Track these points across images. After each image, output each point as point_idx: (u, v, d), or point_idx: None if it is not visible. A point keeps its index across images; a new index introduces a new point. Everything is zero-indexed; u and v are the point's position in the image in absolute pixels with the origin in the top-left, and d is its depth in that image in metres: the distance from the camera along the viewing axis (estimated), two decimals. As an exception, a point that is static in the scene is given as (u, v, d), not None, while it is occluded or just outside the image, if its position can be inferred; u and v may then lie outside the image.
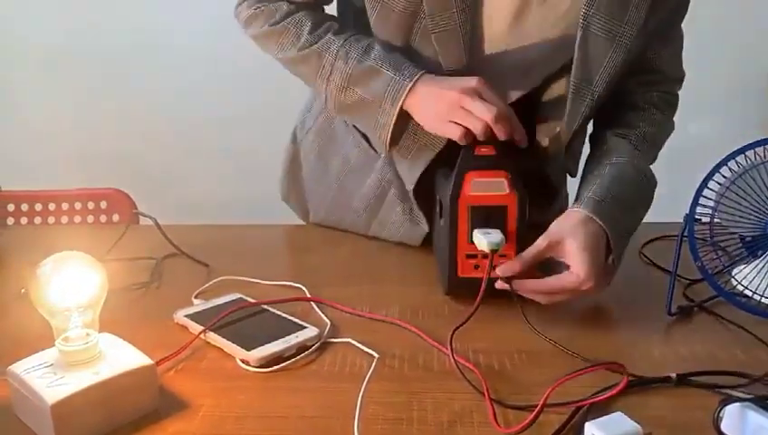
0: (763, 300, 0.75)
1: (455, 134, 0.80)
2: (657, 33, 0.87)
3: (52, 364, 0.59)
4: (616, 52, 0.81)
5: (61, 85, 2.05)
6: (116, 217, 1.29)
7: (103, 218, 1.30)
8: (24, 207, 1.30)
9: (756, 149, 0.74)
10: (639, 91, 0.92)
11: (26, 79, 2.05)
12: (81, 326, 0.59)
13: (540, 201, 0.84)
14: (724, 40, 2.05)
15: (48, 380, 0.57)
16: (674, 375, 0.64)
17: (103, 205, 1.28)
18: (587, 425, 0.53)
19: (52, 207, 1.30)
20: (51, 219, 1.30)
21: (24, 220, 1.31)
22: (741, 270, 0.75)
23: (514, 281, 0.74)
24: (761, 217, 0.74)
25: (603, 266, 0.74)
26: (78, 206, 1.29)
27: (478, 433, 0.57)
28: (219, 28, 1.74)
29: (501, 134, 0.78)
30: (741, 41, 2.05)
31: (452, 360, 0.65)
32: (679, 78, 0.96)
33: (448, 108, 0.80)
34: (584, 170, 0.86)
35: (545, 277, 0.74)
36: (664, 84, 0.94)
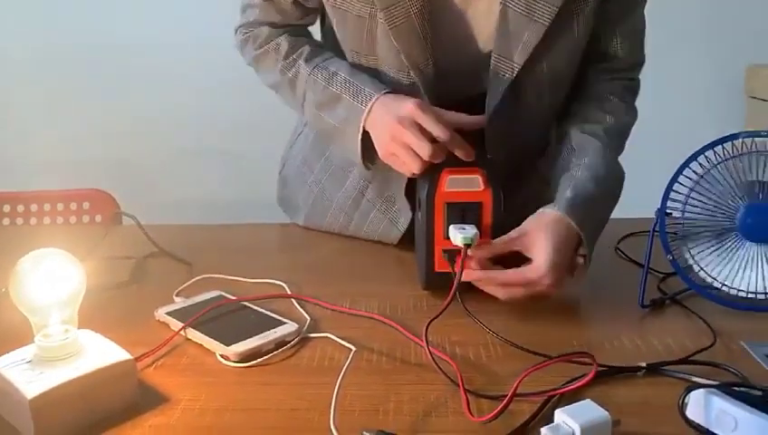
0: (731, 291, 0.77)
1: (401, 171, 0.84)
2: (610, 19, 0.89)
3: (30, 360, 0.59)
4: (533, 27, 0.81)
5: (44, 87, 2.04)
6: (98, 218, 1.29)
7: (86, 219, 1.30)
8: (6, 208, 1.30)
9: (724, 145, 0.75)
10: (600, 80, 0.93)
11: (9, 80, 2.04)
12: (60, 322, 0.60)
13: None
14: (702, 37, 2.09)
15: (27, 375, 0.57)
16: (644, 365, 0.65)
17: (86, 205, 1.29)
18: (557, 412, 0.55)
19: (34, 208, 1.30)
20: (33, 220, 1.30)
21: (6, 221, 1.31)
22: (710, 262, 0.77)
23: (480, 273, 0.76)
24: (728, 210, 0.76)
25: (566, 267, 0.76)
26: (60, 207, 1.29)
27: (452, 422, 0.58)
28: (210, 29, 1.77)
29: (438, 160, 0.79)
30: (718, 38, 2.09)
31: (427, 352, 0.66)
32: (639, 63, 0.97)
33: (390, 140, 0.82)
34: (555, 169, 0.87)
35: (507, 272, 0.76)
36: (624, 71, 0.95)
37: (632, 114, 0.95)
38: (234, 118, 2.00)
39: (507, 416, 0.58)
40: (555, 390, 0.60)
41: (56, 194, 1.31)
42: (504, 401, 0.57)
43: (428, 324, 0.68)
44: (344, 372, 0.64)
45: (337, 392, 0.60)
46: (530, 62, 0.84)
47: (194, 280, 0.88)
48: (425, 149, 0.78)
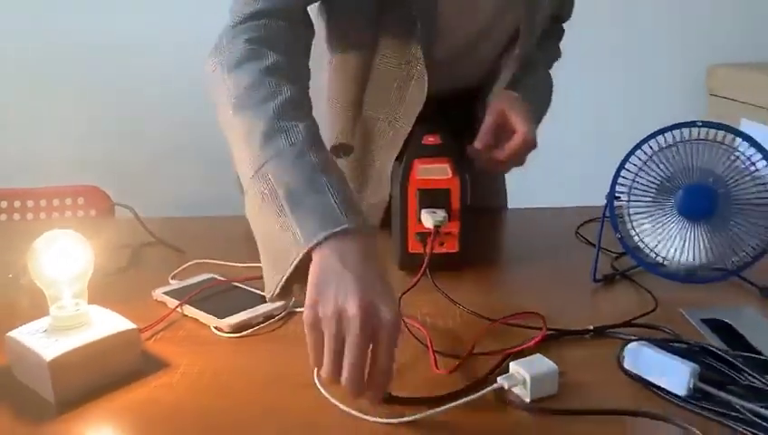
0: (673, 266, 0.85)
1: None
2: None
3: (46, 330, 0.67)
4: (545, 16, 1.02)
5: (40, 85, 2.09)
6: (93, 213, 1.36)
7: (80, 214, 1.36)
8: (3, 204, 1.36)
9: (665, 135, 0.84)
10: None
11: (5, 78, 2.09)
12: (71, 296, 0.67)
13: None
14: (665, 38, 2.19)
15: (44, 342, 0.65)
16: (591, 328, 0.74)
17: (81, 201, 1.35)
18: (511, 365, 0.63)
19: (30, 204, 1.36)
20: (29, 216, 1.36)
21: (3, 217, 1.37)
22: (653, 240, 0.86)
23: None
24: (668, 193, 0.85)
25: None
26: (56, 202, 1.35)
27: (422, 377, 0.67)
28: (202, 29, 1.83)
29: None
30: (682, 40, 2.20)
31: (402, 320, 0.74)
32: (568, 15, 1.16)
33: (332, 304, 0.58)
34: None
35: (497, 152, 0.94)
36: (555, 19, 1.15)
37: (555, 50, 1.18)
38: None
39: (470, 370, 0.66)
40: (512, 348, 0.69)
41: (51, 190, 1.37)
42: (465, 355, 0.65)
43: (402, 295, 0.76)
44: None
45: None
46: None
47: (187, 265, 0.95)
48: (350, 363, 0.57)
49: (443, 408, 0.59)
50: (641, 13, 2.17)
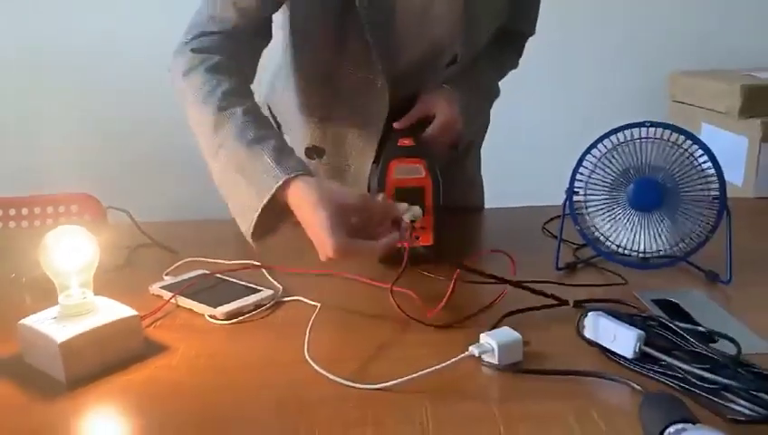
0: (627, 253, 0.94)
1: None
2: None
3: (55, 317, 0.73)
4: (492, 22, 1.06)
5: (32, 91, 2.14)
6: (86, 219, 1.41)
7: (74, 221, 1.42)
8: (-1, 212, 1.41)
9: (618, 134, 0.93)
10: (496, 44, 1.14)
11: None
12: (78, 285, 0.74)
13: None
14: (628, 47, 2.30)
15: (54, 327, 0.71)
16: (571, 301, 0.82)
17: (74, 208, 1.41)
18: (481, 335, 0.71)
19: (24, 212, 1.41)
20: (24, 223, 1.42)
21: (-1, 225, 1.43)
22: (609, 230, 0.94)
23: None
24: (620, 186, 0.93)
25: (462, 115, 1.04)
26: (50, 210, 1.41)
27: (401, 353, 0.75)
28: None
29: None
30: (645, 48, 2.31)
31: (390, 298, 0.82)
32: (530, 33, 1.20)
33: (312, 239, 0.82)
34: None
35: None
36: (515, 35, 1.19)
37: (512, 56, 1.22)
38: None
39: (449, 339, 0.75)
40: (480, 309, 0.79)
41: (45, 199, 1.43)
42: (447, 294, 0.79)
43: (393, 283, 0.83)
44: (314, 318, 0.80)
45: (309, 331, 0.76)
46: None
47: (180, 262, 1.02)
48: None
49: (421, 372, 0.67)
50: (607, 22, 2.28)
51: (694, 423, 0.55)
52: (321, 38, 1.02)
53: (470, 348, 0.70)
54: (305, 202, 0.81)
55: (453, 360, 0.69)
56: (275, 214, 0.85)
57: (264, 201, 0.83)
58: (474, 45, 1.05)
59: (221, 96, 0.88)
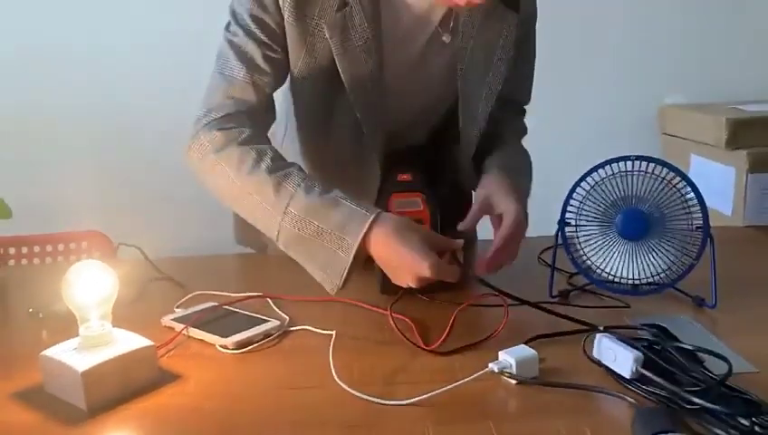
0: (617, 280, 0.98)
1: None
2: (516, 66, 1.10)
3: (75, 348, 0.77)
4: (488, 96, 1.06)
5: (43, 133, 2.20)
6: (96, 256, 1.46)
7: (84, 258, 1.46)
8: (12, 250, 1.46)
9: (605, 168, 0.98)
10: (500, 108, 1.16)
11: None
12: (98, 317, 0.78)
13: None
14: (619, 81, 2.38)
15: (76, 358, 0.75)
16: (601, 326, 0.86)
17: (84, 245, 1.45)
18: (500, 353, 0.77)
19: (36, 249, 1.46)
20: (36, 261, 1.46)
21: (11, 263, 1.47)
22: (599, 259, 0.99)
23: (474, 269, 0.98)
24: (610, 217, 0.98)
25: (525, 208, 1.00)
26: (61, 247, 1.45)
27: (423, 369, 0.80)
28: (197, 81, 1.97)
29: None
30: (636, 82, 2.39)
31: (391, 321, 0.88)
32: (527, 102, 1.23)
33: (403, 280, 0.89)
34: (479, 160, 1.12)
35: (492, 243, 0.98)
36: (517, 104, 1.23)
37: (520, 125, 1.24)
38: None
39: (463, 361, 0.80)
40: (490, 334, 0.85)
41: (56, 236, 1.48)
42: (445, 333, 0.85)
43: (392, 305, 0.90)
44: (333, 341, 0.86)
45: (331, 352, 0.83)
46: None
47: (190, 295, 1.06)
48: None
49: (443, 389, 0.72)
50: (599, 55, 2.36)
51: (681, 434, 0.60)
52: (318, 103, 1.07)
53: (489, 365, 0.77)
54: (392, 232, 0.87)
55: (473, 376, 0.75)
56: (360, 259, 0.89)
57: (358, 241, 0.87)
58: (470, 105, 1.06)
59: (270, 163, 0.93)
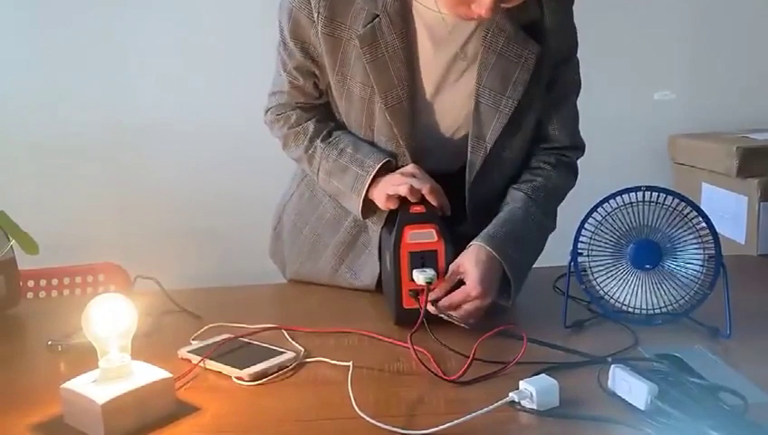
0: (631, 310, 0.98)
1: (400, 197, 1.04)
2: (550, 107, 1.14)
3: (95, 380, 0.78)
4: (500, 117, 1.07)
5: (59, 167, 2.25)
6: (112, 289, 1.48)
7: (101, 290, 1.48)
8: (30, 283, 1.48)
9: (616, 198, 0.99)
10: (539, 154, 1.17)
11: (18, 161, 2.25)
12: (118, 350, 0.79)
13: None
14: (630, 111, 2.40)
15: (95, 390, 0.76)
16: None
17: (101, 278, 1.47)
18: (521, 382, 0.78)
19: (54, 282, 1.48)
20: (54, 293, 1.48)
21: (30, 295, 1.49)
22: (612, 288, 0.99)
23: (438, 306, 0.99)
24: (622, 247, 0.99)
25: (494, 281, 0.99)
26: (78, 280, 1.47)
27: (444, 399, 0.81)
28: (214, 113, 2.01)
29: (433, 201, 1.03)
30: (646, 112, 2.41)
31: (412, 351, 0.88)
32: (574, 146, 1.19)
33: (393, 187, 1.05)
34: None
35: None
36: (560, 150, 1.18)
37: (562, 182, 1.17)
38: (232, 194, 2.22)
39: (481, 390, 0.81)
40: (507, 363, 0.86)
41: (73, 269, 1.50)
42: (467, 363, 0.84)
43: (411, 334, 0.90)
44: (352, 371, 0.87)
45: (351, 384, 0.83)
46: (496, 145, 1.09)
47: (205, 328, 1.07)
48: (425, 184, 1.04)
49: (464, 418, 0.73)
50: (609, 85, 2.38)
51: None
52: (356, 114, 1.14)
53: (510, 394, 0.77)
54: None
55: (494, 405, 0.75)
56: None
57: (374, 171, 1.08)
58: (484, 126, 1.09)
59: (307, 142, 1.18)
